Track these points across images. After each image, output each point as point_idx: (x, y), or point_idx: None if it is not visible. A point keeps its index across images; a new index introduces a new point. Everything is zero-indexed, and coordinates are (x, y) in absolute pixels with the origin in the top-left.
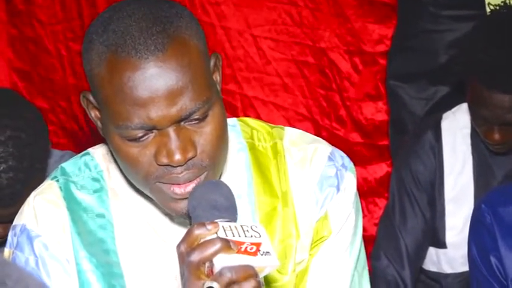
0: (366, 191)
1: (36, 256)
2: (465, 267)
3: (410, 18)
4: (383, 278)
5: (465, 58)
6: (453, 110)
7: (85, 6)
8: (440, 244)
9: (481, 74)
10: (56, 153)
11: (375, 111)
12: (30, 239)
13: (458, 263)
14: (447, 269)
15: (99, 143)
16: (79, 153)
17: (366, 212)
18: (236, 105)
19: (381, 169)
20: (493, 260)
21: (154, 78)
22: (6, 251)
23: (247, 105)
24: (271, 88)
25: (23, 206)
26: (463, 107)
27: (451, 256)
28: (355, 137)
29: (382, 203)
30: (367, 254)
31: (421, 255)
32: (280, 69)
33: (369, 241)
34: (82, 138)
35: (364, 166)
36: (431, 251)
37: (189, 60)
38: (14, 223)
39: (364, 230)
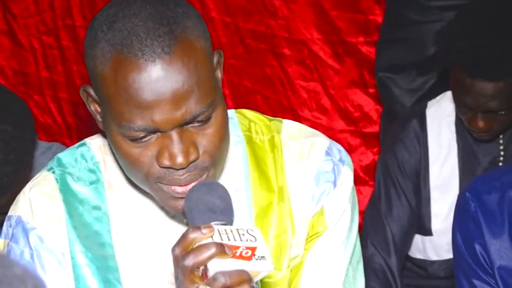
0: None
1: (31, 249)
2: (450, 255)
3: (399, 9)
4: (370, 266)
5: (448, 46)
6: (438, 98)
7: (58, 1)
8: (426, 231)
9: (464, 62)
10: (42, 144)
11: (362, 98)
12: (25, 231)
13: (443, 250)
14: (433, 256)
15: (73, 136)
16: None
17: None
18: (225, 92)
19: (366, 157)
20: (477, 247)
21: (160, 81)
22: (1, 241)
23: (236, 93)
24: (254, 77)
25: (18, 196)
26: (448, 95)
27: (437, 243)
28: (340, 124)
29: (366, 191)
30: None
31: (407, 242)
32: (260, 59)
33: None
34: (56, 132)
35: (349, 154)
36: (417, 238)
37: (195, 63)
38: (9, 213)
39: None
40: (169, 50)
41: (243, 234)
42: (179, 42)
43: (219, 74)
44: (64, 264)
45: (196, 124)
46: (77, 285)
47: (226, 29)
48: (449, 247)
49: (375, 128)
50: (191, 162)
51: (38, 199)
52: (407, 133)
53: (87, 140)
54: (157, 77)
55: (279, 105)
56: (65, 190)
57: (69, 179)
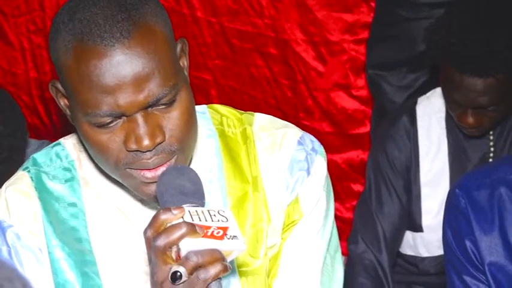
0: (340, 177)
1: (8, 246)
2: (441, 251)
3: (388, 7)
4: (360, 263)
5: (437, 42)
6: (428, 94)
7: (48, 0)
8: (417, 228)
9: (453, 58)
10: (33, 142)
11: (346, 100)
12: (2, 230)
13: (434, 246)
14: (424, 253)
15: (60, 137)
16: None
17: (344, 197)
18: (211, 93)
19: (356, 156)
20: (468, 244)
21: (121, 65)
22: None
23: (222, 93)
24: (240, 77)
25: None
26: (438, 91)
27: (427, 239)
28: (325, 126)
29: (357, 188)
30: (345, 237)
31: (398, 239)
32: (246, 59)
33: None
34: (43, 132)
35: (336, 154)
36: (408, 234)
37: (154, 47)
38: None
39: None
40: (128, 34)
41: (214, 215)
42: (138, 26)
43: (184, 62)
44: (42, 260)
45: (160, 107)
46: (56, 279)
47: (211, 29)
48: (440, 243)
49: (361, 130)
50: (158, 145)
51: (13, 197)
52: (397, 129)
53: (61, 140)
54: (118, 62)
55: (266, 104)
56: (40, 188)
57: (44, 178)
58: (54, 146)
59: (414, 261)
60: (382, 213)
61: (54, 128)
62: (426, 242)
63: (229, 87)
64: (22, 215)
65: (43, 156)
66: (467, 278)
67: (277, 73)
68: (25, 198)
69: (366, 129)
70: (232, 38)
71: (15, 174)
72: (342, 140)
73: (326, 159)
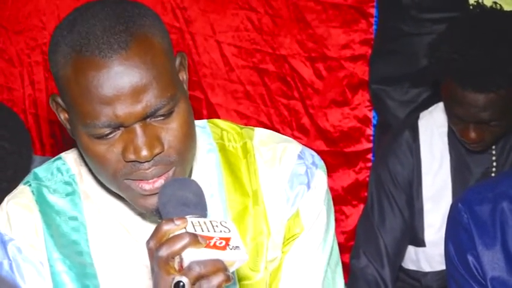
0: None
1: (10, 259)
2: (443, 266)
3: (391, 22)
4: (363, 277)
5: (439, 58)
6: (430, 109)
7: (50, 17)
8: (419, 242)
9: (455, 73)
10: (36, 159)
11: (342, 118)
12: (3, 243)
13: (436, 261)
14: (426, 267)
15: (49, 159)
16: None
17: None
18: (202, 112)
19: (348, 177)
20: (470, 258)
21: (119, 76)
22: None
23: (212, 112)
24: (234, 96)
25: None
26: (440, 106)
27: (430, 254)
28: (320, 145)
29: (349, 211)
30: None
31: (400, 254)
32: (242, 76)
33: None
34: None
35: (330, 174)
36: (410, 249)
37: (152, 58)
38: None
39: None
40: (126, 45)
41: (217, 226)
42: (135, 38)
43: (183, 76)
44: (43, 274)
45: (159, 118)
46: None
47: (207, 45)
48: (442, 258)
49: (357, 147)
50: (156, 155)
51: (14, 211)
52: (399, 144)
53: (62, 154)
54: (116, 73)
55: (259, 124)
56: (41, 201)
57: (45, 191)
58: (55, 160)
59: (417, 276)
60: (384, 228)
61: (43, 149)
62: (428, 256)
63: (220, 106)
64: (23, 228)
65: (44, 170)
66: None
67: (273, 91)
68: (26, 211)
69: (361, 147)
70: (230, 55)
71: (17, 188)
72: (336, 159)
73: (326, 173)
